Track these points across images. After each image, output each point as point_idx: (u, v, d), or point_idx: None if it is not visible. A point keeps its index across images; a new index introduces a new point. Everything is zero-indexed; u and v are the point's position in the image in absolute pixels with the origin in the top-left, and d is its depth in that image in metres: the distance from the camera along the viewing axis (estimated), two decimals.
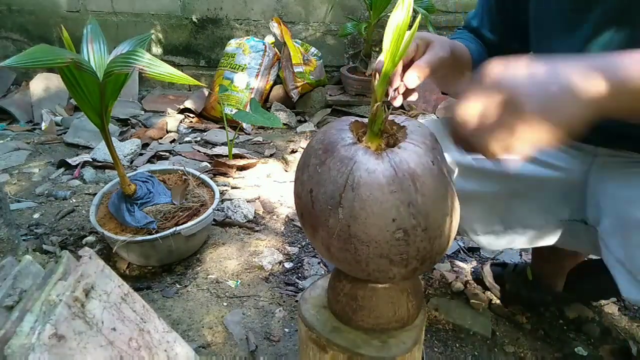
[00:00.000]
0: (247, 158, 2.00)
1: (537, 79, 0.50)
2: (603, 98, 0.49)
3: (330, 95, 2.60)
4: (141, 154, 2.04)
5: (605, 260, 0.72)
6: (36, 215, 1.51)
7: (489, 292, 1.20)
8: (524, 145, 0.51)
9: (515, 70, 0.51)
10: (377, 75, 0.59)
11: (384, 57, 0.57)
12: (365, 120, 0.63)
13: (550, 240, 0.94)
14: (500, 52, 0.91)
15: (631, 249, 0.66)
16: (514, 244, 0.97)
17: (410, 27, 0.56)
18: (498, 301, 1.18)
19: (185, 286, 1.21)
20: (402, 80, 0.63)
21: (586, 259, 1.29)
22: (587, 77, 0.49)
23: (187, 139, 2.28)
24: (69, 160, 1.88)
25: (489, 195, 0.89)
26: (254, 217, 1.55)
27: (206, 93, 2.67)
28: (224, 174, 1.86)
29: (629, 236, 0.66)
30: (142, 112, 2.62)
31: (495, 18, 0.89)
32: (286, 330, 1.08)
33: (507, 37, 0.89)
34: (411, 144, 0.58)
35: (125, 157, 1.95)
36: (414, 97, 0.66)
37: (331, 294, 0.72)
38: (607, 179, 0.75)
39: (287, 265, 1.31)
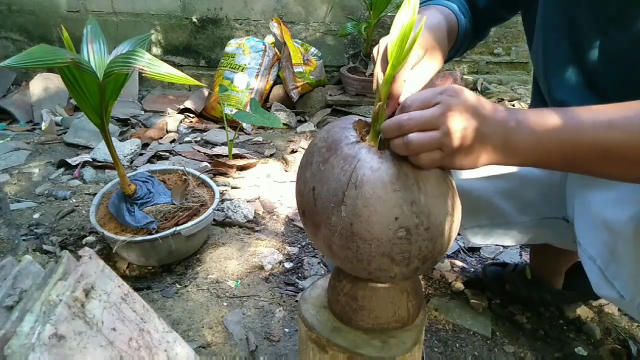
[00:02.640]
0: (247, 158, 2.00)
1: (499, 113, 0.55)
2: (554, 144, 0.54)
3: (330, 95, 2.60)
4: (141, 154, 2.04)
5: (580, 257, 0.75)
6: (36, 215, 1.51)
7: (489, 292, 1.20)
8: (450, 166, 0.56)
9: (483, 100, 0.55)
10: (380, 74, 0.59)
11: (387, 53, 0.57)
12: (369, 119, 0.63)
13: (534, 237, 0.96)
14: (487, 17, 0.91)
15: (600, 248, 0.68)
16: (500, 240, 0.99)
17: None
18: (498, 301, 1.18)
19: (185, 286, 1.21)
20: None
21: None
22: (543, 120, 0.54)
23: (187, 139, 2.28)
24: (69, 160, 1.88)
25: (473, 191, 0.90)
26: (254, 217, 1.55)
27: (206, 93, 2.67)
28: (224, 174, 1.86)
29: (599, 235, 0.68)
30: (142, 112, 2.62)
31: None
32: (286, 330, 1.08)
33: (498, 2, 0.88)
34: None
35: (125, 157, 1.95)
36: None
37: (331, 294, 0.72)
38: (581, 179, 0.78)
39: (287, 265, 1.31)
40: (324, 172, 0.58)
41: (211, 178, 1.57)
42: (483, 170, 0.89)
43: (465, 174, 0.91)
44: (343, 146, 0.59)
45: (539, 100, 0.88)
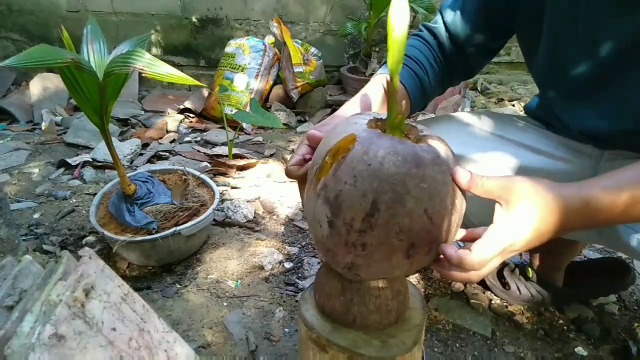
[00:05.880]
0: (247, 158, 2.00)
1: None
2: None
3: (330, 95, 2.60)
4: (141, 154, 2.04)
5: (628, 242, 0.74)
6: (36, 215, 1.51)
7: (489, 292, 1.20)
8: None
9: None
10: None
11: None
12: (380, 115, 0.63)
13: None
14: (472, 53, 0.91)
15: None
16: None
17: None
18: (498, 301, 1.18)
19: (185, 286, 1.21)
20: None
21: (583, 258, 1.30)
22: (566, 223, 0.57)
23: (187, 139, 2.28)
24: (69, 160, 1.88)
25: None
26: (254, 217, 1.55)
27: (206, 93, 2.67)
28: (224, 174, 1.86)
29: None
30: (142, 112, 2.62)
31: (478, 16, 0.87)
32: (286, 330, 1.08)
33: (491, 35, 0.89)
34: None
35: (125, 157, 1.95)
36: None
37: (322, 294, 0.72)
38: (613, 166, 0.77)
39: (287, 265, 1.31)
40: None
41: (211, 178, 1.57)
42: (501, 165, 0.89)
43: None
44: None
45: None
